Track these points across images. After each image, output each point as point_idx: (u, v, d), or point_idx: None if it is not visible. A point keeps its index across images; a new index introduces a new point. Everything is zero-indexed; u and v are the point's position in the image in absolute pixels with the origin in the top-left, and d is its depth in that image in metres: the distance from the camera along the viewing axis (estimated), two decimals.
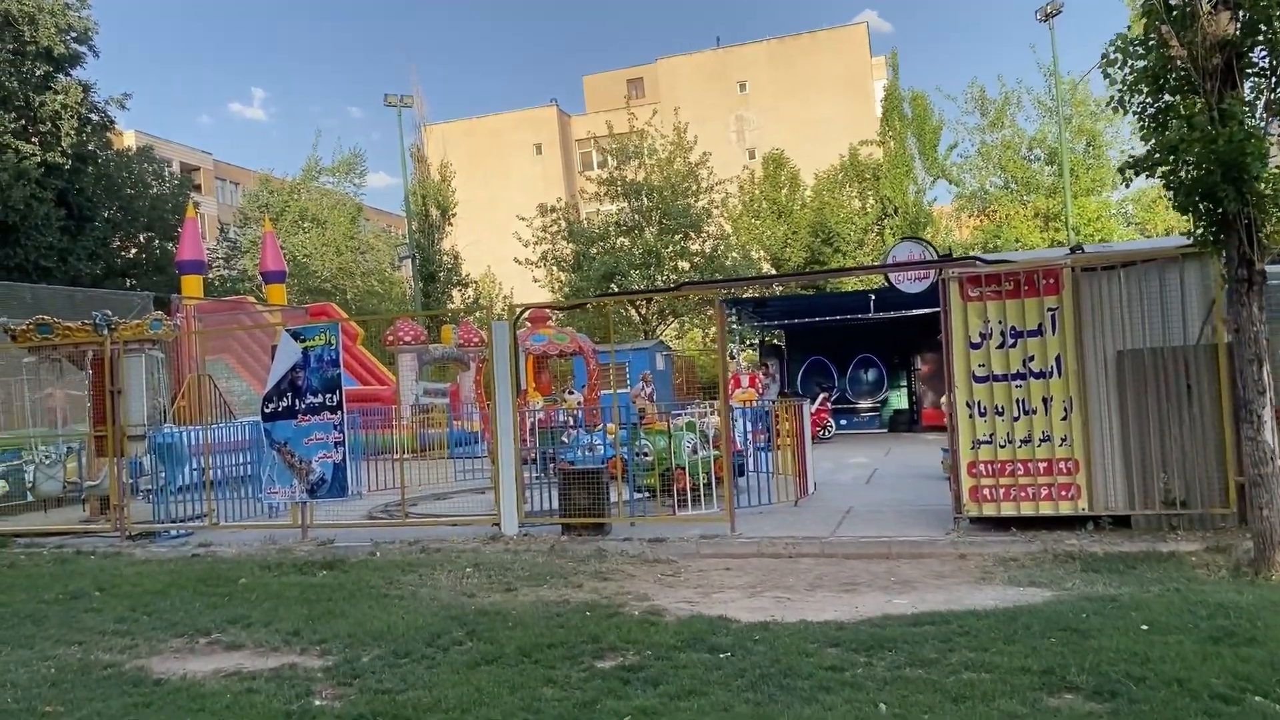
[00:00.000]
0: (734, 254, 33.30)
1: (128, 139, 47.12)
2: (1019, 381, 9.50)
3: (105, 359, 12.60)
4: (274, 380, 11.91)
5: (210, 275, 39.74)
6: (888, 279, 13.78)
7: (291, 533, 12.04)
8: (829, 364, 27.56)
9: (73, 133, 29.93)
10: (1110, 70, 7.92)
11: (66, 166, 30.14)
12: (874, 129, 42.67)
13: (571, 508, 10.89)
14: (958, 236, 33.31)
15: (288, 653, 6.80)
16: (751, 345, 29.31)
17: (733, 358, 39.50)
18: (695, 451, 12.56)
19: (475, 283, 39.91)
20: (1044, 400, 9.43)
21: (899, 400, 27.62)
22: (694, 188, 32.99)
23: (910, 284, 13.14)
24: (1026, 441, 9.49)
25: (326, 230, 40.58)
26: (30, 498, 14.94)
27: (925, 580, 8.39)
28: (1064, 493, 9.38)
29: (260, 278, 33.23)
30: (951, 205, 36.22)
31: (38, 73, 29.82)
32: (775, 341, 28.59)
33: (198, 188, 58.30)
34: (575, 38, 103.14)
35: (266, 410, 11.97)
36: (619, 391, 28.30)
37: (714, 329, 35.21)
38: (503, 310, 11.02)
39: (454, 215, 38.59)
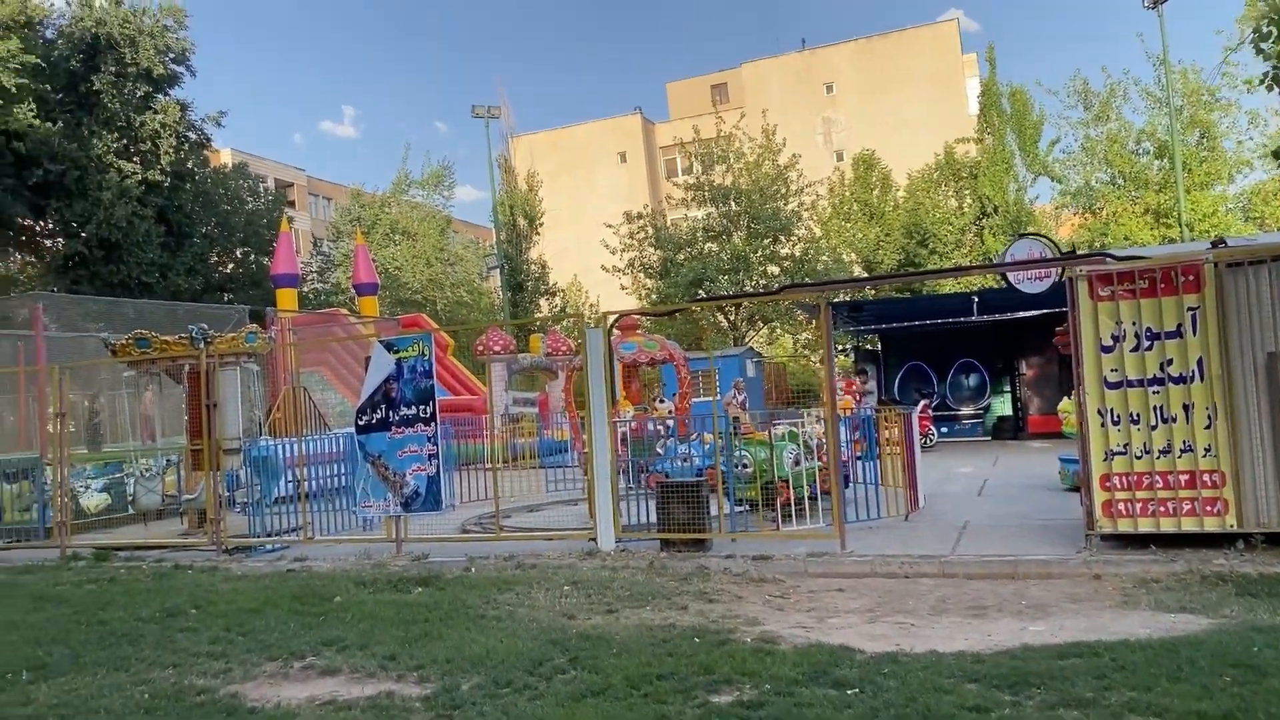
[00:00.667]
0: (825, 257, 32.54)
1: (224, 157, 48.43)
2: (1156, 387, 8.74)
3: (201, 372, 12.60)
4: (368, 392, 11.74)
5: (304, 289, 40.51)
6: (1005, 279, 13.03)
7: (386, 547, 11.84)
8: (928, 369, 26.62)
9: (171, 151, 30.72)
10: (1263, 45, 7.16)
11: (165, 184, 30.96)
12: (967, 128, 41.41)
13: (670, 522, 10.44)
14: (1060, 235, 31.93)
15: (384, 679, 6.49)
16: (844, 351, 28.51)
17: (824, 363, 38.75)
18: (798, 463, 12.02)
19: (562, 291, 39.85)
20: (1184, 407, 8.65)
21: (1003, 407, 26.52)
22: (783, 190, 32.34)
23: (1030, 284, 12.36)
24: (1166, 452, 8.72)
25: (416, 242, 40.99)
26: (131, 510, 15.14)
27: (1060, 604, 7.72)
28: (1209, 508, 8.58)
29: (353, 290, 33.62)
30: (1050, 204, 34.84)
31: (138, 93, 30.67)
32: (870, 347, 27.73)
33: (291, 204, 59.71)
34: (659, 45, 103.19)
35: (360, 423, 11.80)
36: (712, 400, 27.94)
37: (805, 334, 34.51)
38: (590, 318, 10.62)
39: (541, 224, 38.61)
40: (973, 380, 26.92)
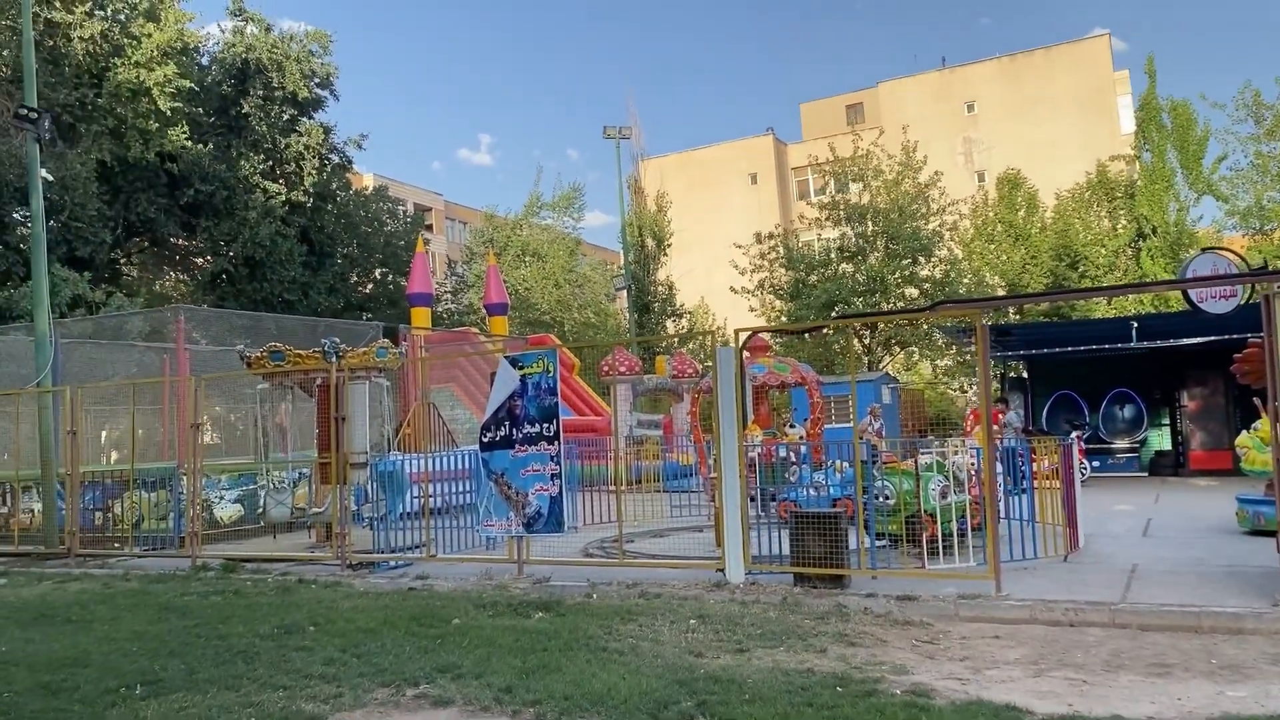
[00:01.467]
0: (967, 279, 31.14)
1: (365, 180, 50.00)
2: None
3: (331, 385, 12.57)
4: (492, 408, 11.45)
5: (438, 308, 41.28)
6: (1187, 297, 11.86)
7: (507, 567, 11.49)
8: (1078, 399, 25.04)
9: (314, 172, 31.67)
10: None
11: (308, 204, 31.93)
12: (1117, 147, 39.29)
13: (805, 555, 9.73)
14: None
15: (498, 714, 6.05)
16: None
17: (963, 390, 37.08)
18: (944, 495, 11.15)
19: (689, 313, 39.43)
20: None
21: (1160, 441, 24.71)
22: (923, 210, 31.14)
23: (1214, 303, 11.20)
24: None
25: (546, 264, 41.27)
26: (262, 523, 15.30)
27: (1260, 666, 6.72)
28: None
29: (484, 310, 33.97)
30: (1211, 226, 32.53)
31: (284, 117, 31.77)
32: (1016, 374, 26.27)
33: (429, 227, 61.26)
34: (793, 66, 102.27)
35: (484, 440, 11.52)
36: (853, 425, 26.92)
37: (946, 359, 33.07)
38: (719, 331, 10.03)
39: (669, 246, 38.32)
40: (1128, 412, 25.19)
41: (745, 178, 60.35)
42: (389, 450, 16.27)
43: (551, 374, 11.10)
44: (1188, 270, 11.72)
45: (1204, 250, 13.85)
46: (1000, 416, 21.37)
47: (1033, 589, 9.13)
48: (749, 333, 10.19)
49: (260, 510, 14.82)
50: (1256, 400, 13.22)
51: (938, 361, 34.42)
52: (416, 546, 12.63)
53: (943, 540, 10.34)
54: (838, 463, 15.18)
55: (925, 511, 10.86)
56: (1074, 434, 22.67)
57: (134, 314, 23.28)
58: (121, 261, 32.31)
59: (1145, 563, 10.44)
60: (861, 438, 19.77)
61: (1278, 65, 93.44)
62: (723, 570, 10.12)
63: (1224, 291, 10.96)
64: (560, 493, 10.93)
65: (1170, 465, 23.88)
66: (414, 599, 10.29)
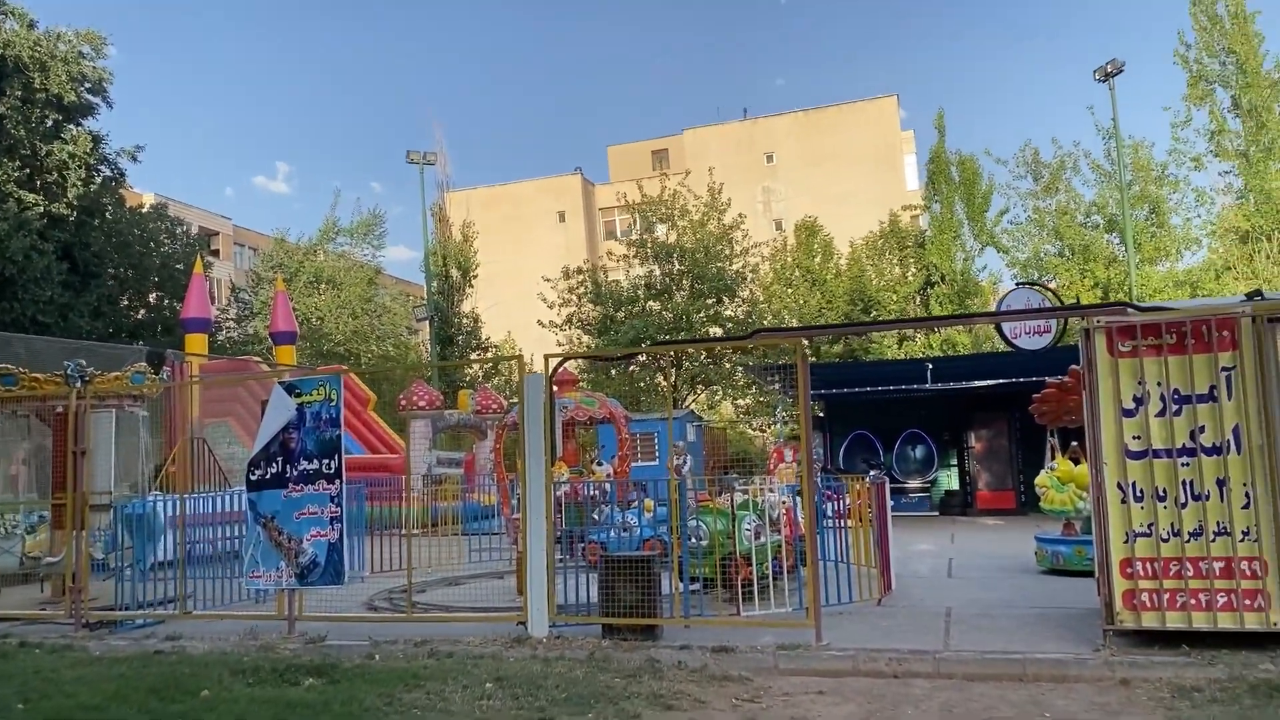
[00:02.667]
0: (767, 320, 31.55)
1: (146, 199, 46.14)
2: (1186, 459, 7.56)
3: (70, 414, 10.78)
4: (262, 441, 10.06)
5: (221, 337, 38.29)
6: (1001, 333, 11.92)
7: (277, 625, 10.05)
8: (874, 439, 25.58)
9: (79, 184, 28.64)
10: None
11: (71, 219, 28.82)
12: (904, 203, 41.30)
13: (615, 604, 8.89)
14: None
15: None
16: (789, 418, 27.32)
17: (762, 430, 37.56)
18: (758, 536, 10.61)
19: (495, 347, 38.21)
20: (1218, 483, 7.47)
21: (949, 481, 25.54)
22: (727, 251, 31.41)
23: (1028, 339, 11.25)
24: (1197, 535, 7.51)
25: (342, 292, 39.10)
26: None
27: (1091, 717, 6.37)
28: (1248, 602, 7.36)
29: (270, 339, 31.63)
30: (989, 278, 34.45)
31: (46, 121, 28.64)
32: (815, 414, 26.61)
33: (215, 253, 57.33)
34: (599, 110, 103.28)
35: (252, 477, 10.10)
36: (648, 463, 26.42)
37: (747, 399, 33.30)
38: (527, 359, 9.14)
39: (475, 276, 37.09)
40: (919, 452, 25.94)
41: (553, 215, 59.89)
42: (147, 490, 14.35)
43: (334, 403, 9.85)
44: (1003, 305, 11.79)
45: (1019, 285, 14.13)
46: (786, 455, 21.38)
47: (852, 636, 8.64)
48: (559, 359, 9.33)
49: None
50: (1053, 440, 13.53)
51: (738, 400, 34.70)
52: (170, 601, 10.95)
53: (757, 583, 9.76)
54: (647, 501, 14.54)
55: (740, 553, 10.27)
56: (873, 473, 23.09)
57: None
58: None
59: (958, 605, 10.21)
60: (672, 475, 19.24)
61: (1054, 125, 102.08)
62: (524, 623, 9.13)
63: (1038, 327, 11.03)
64: (341, 539, 9.67)
65: (959, 505, 24.67)
66: (158, 665, 8.73)
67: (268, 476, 9.97)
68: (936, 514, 24.49)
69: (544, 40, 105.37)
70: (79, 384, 11.72)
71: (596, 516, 14.36)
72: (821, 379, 24.39)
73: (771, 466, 20.09)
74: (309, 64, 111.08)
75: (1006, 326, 11.25)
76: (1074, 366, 12.68)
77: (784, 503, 11.59)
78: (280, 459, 9.92)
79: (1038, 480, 12.79)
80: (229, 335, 39.23)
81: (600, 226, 60.93)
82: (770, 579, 9.94)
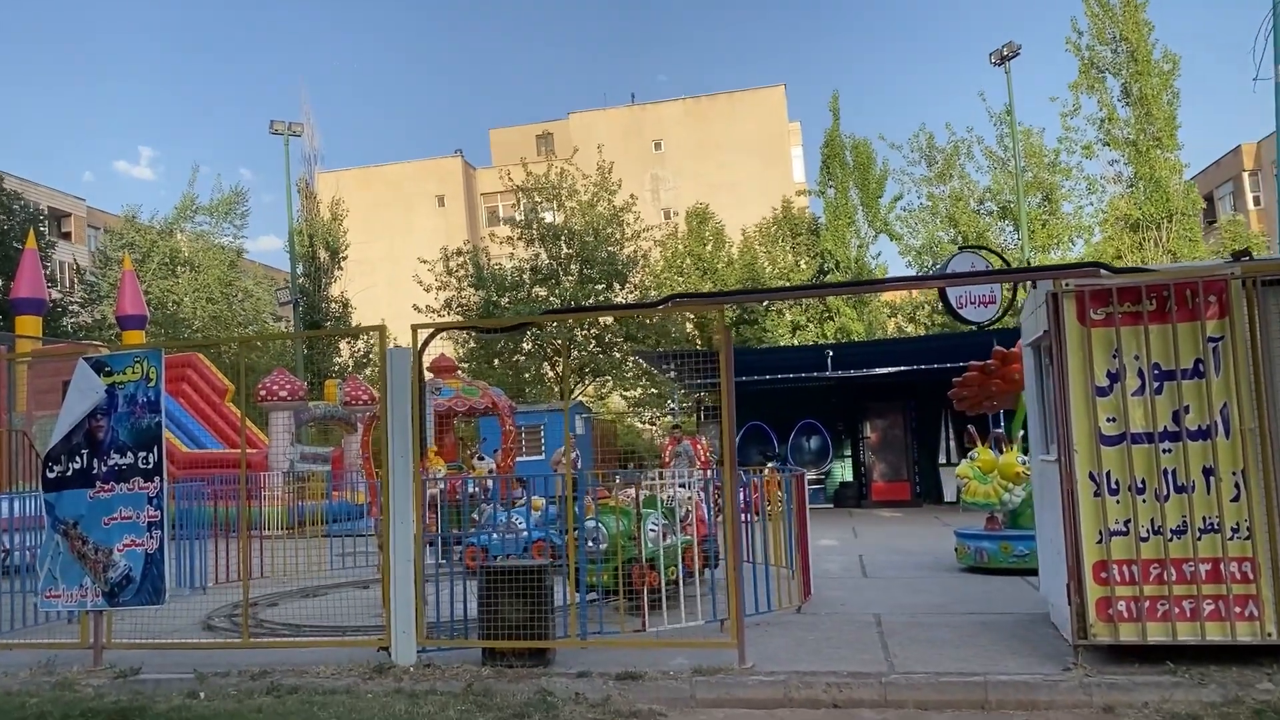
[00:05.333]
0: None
1: None
2: (1168, 444, 6.53)
3: None
4: (63, 430, 8.19)
5: (66, 322, 35.04)
6: (945, 300, 10.86)
7: (80, 654, 8.20)
8: (768, 430, 24.63)
9: None
10: None
11: None
12: (792, 192, 40.80)
13: (499, 624, 7.40)
14: (905, 295, 30.99)
15: None
16: (681, 408, 26.21)
17: (652, 423, 36.41)
18: (664, 536, 9.27)
19: (366, 334, 35.91)
20: (1205, 471, 6.46)
21: (844, 472, 24.84)
22: (618, 234, 30.06)
23: (975, 309, 10.21)
24: (1180, 532, 6.48)
25: (200, 275, 36.18)
26: None
27: None
28: (1239, 609, 6.36)
29: (117, 323, 28.82)
30: (879, 265, 34.02)
31: None
32: (710, 404, 25.54)
33: (67, 235, 53.03)
34: (481, 94, 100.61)
35: (50, 475, 8.22)
36: (534, 458, 24.90)
37: (637, 391, 32.02)
38: (390, 332, 7.52)
39: (345, 258, 34.74)
40: (814, 443, 25.15)
41: (432, 199, 57.56)
42: None
43: (154, 384, 8.06)
44: (947, 269, 10.74)
45: (962, 249, 13.17)
46: (703, 445, 20.24)
47: (778, 655, 7.38)
48: (430, 330, 7.77)
49: None
50: (971, 428, 12.61)
51: (627, 392, 33.46)
52: None
53: (656, 593, 8.42)
54: (535, 499, 13.09)
55: (644, 558, 8.91)
56: (770, 465, 22.12)
57: None
58: None
59: (886, 612, 9.07)
60: (556, 471, 17.82)
61: (947, 111, 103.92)
62: (387, 649, 7.55)
63: (984, 296, 10.00)
64: (162, 548, 7.89)
65: (854, 496, 23.96)
66: None
67: (69, 473, 8.12)
68: (831, 506, 23.76)
69: (423, 21, 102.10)
70: None
71: (477, 516, 12.84)
72: (718, 366, 23.26)
73: (666, 458, 18.94)
74: (175, 45, 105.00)
75: (952, 294, 10.20)
76: (998, 348, 11.83)
77: (690, 499, 10.32)
78: (85, 452, 8.08)
79: (959, 470, 11.84)
80: (74, 320, 35.95)
81: (482, 211, 58.91)
82: (679, 585, 8.61)
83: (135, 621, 8.68)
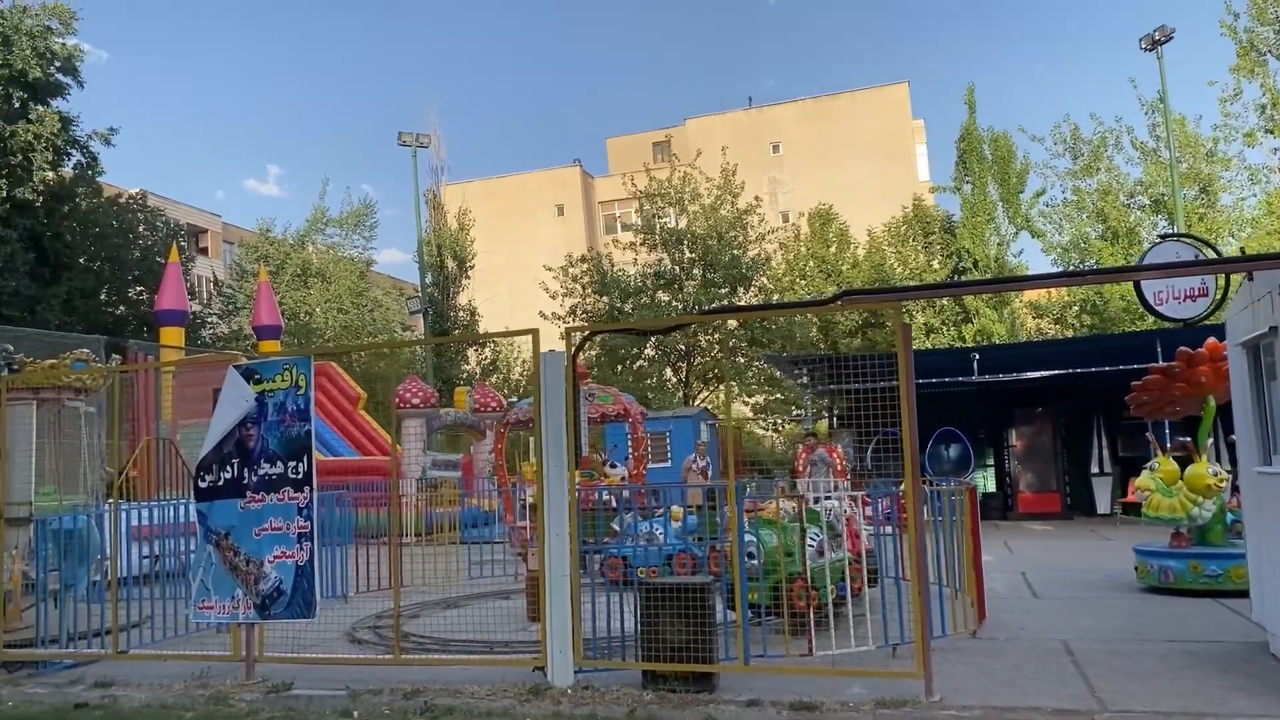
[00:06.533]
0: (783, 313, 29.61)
1: (127, 193, 44.03)
2: None
3: None
4: (214, 440, 8.11)
5: (205, 333, 36.29)
6: (1141, 296, 9.97)
7: (232, 667, 8.10)
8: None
9: (47, 166, 26.62)
10: None
11: (38, 204, 26.80)
12: (915, 192, 39.42)
13: (659, 645, 6.95)
14: (1054, 297, 29.40)
15: None
16: (799, 416, 25.38)
17: (777, 430, 35.64)
18: (821, 553, 8.69)
19: (493, 342, 36.24)
20: None
21: (987, 483, 23.65)
22: (741, 238, 29.46)
23: (1177, 305, 9.31)
24: None
25: (331, 286, 37.07)
26: None
27: None
28: None
29: (254, 333, 29.66)
30: (1018, 263, 32.34)
31: (12, 100, 26.63)
32: (843, 411, 24.70)
33: (204, 250, 55.28)
34: (597, 103, 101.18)
35: (202, 485, 8.15)
36: (659, 465, 24.47)
37: (760, 397, 31.29)
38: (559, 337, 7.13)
39: (472, 267, 35.06)
40: (953, 451, 23.99)
41: (552, 209, 57.95)
42: (97, 498, 12.40)
43: (303, 391, 7.90)
44: (1145, 261, 9.86)
45: (1165, 238, 12.17)
46: (809, 453, 19.48)
47: (966, 686, 6.72)
48: (585, 333, 7.39)
49: None
50: (1150, 436, 11.63)
51: (749, 398, 32.78)
52: (106, 631, 8.99)
53: (820, 613, 7.84)
54: (675, 509, 12.64)
55: (798, 576, 8.35)
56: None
57: None
58: None
59: (1074, 638, 8.29)
60: (685, 478, 17.32)
61: (1092, 101, 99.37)
62: (543, 668, 7.18)
63: (1191, 290, 9.09)
64: (311, 560, 7.71)
65: (998, 508, 22.80)
66: None
67: (220, 483, 8.02)
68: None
69: (538, 32, 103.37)
70: (3, 372, 9.75)
71: (617, 527, 12.47)
72: (851, 369, 22.43)
73: (800, 467, 18.25)
74: (301, 65, 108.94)
75: (1150, 289, 9.32)
76: (1183, 349, 10.82)
77: (848, 512, 9.72)
78: (236, 461, 7.97)
79: (1138, 482, 10.85)
80: (214, 332, 37.26)
81: (600, 220, 59.02)
82: (841, 606, 8.03)
83: (283, 632, 8.53)
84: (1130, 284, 25.94)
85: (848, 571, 8.65)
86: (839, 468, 18.10)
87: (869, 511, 10.42)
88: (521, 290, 40.22)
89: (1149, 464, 11.05)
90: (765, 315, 26.58)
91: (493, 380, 31.70)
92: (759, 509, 9.02)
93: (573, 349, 7.34)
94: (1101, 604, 10.13)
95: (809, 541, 8.57)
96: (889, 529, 10.11)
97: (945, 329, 29.92)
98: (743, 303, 29.04)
